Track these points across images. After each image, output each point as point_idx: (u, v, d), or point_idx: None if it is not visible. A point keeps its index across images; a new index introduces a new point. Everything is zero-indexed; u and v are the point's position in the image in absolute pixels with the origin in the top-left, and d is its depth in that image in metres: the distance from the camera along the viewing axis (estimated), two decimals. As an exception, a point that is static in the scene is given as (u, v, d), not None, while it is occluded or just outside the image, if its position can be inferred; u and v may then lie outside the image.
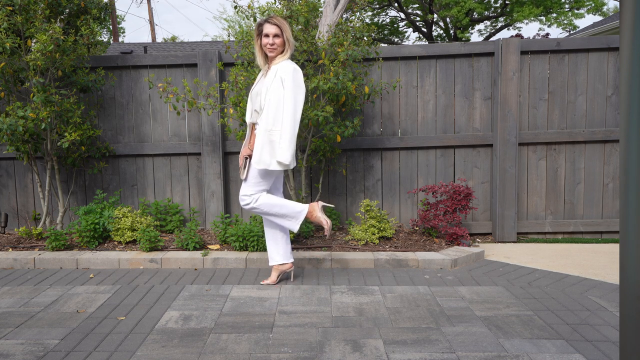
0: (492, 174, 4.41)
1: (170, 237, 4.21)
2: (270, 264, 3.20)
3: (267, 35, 2.92)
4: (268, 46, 2.92)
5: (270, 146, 2.86)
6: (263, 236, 3.75)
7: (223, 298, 2.98)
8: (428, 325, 2.54)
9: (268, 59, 3.01)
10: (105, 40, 23.30)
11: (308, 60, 3.95)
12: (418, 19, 20.83)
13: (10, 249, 3.95)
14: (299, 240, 4.00)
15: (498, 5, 19.12)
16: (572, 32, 18.47)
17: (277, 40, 2.91)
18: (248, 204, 3.01)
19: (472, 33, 21.00)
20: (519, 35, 17.66)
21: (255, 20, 4.08)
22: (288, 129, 2.83)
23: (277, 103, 2.84)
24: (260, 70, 3.20)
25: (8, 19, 3.78)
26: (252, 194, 2.99)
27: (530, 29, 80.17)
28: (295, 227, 3.02)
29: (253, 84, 3.15)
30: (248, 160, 3.01)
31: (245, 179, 3.02)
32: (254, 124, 3.05)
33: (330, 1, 4.67)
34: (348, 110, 4.10)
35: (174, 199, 4.56)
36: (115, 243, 4.04)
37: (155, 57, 4.42)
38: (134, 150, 4.47)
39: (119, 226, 3.98)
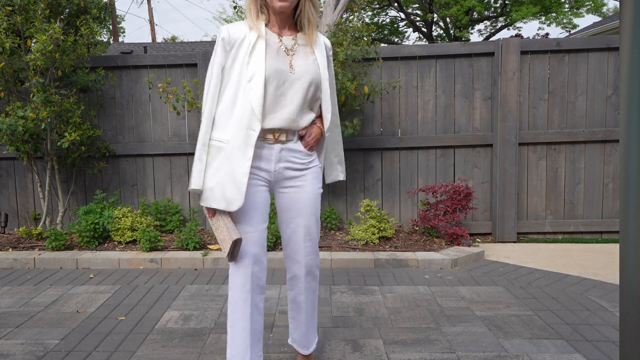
0: (492, 174, 4.41)
1: (170, 237, 4.21)
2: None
3: None
4: None
5: None
6: (263, 236, 3.74)
7: (223, 298, 2.98)
8: (428, 325, 2.54)
9: (272, 18, 1.81)
10: (105, 40, 23.30)
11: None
12: (418, 19, 20.83)
13: (10, 249, 3.94)
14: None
15: (498, 5, 19.12)
16: (572, 31, 18.47)
17: None
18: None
19: (472, 33, 21.00)
20: (518, 35, 17.65)
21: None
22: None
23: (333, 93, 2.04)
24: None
25: (8, 19, 3.78)
26: None
27: (530, 28, 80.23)
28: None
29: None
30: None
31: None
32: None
33: (330, 1, 4.67)
34: (348, 110, 4.10)
35: (174, 199, 4.56)
36: (115, 243, 4.04)
37: (155, 57, 4.42)
38: (134, 150, 4.46)
39: (119, 226, 3.98)
